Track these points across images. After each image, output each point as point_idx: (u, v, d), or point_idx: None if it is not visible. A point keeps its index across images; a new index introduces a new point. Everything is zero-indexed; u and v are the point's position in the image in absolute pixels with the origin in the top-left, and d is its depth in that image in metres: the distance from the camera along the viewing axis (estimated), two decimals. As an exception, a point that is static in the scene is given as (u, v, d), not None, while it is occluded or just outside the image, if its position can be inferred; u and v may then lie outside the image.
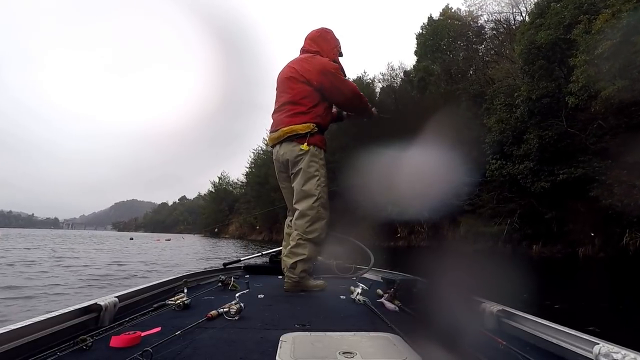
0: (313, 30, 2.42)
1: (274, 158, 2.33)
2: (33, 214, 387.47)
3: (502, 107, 16.34)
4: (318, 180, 2.18)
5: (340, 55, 2.42)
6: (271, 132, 2.32)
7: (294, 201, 2.25)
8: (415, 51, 32.56)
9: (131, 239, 32.94)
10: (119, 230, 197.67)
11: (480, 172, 17.85)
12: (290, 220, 2.34)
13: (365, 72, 35.80)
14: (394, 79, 35.93)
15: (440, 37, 29.87)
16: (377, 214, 20.42)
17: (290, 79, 2.25)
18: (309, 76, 2.19)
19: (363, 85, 34.37)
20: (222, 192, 66.06)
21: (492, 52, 25.27)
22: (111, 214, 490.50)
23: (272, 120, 2.35)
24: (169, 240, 31.42)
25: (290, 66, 2.29)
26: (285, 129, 2.19)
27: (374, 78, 36.07)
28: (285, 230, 2.42)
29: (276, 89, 2.36)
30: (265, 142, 43.29)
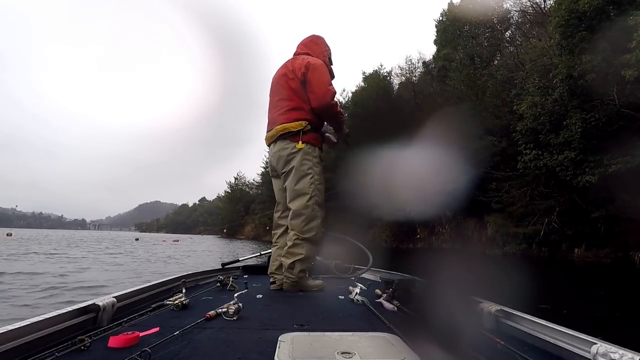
0: (306, 37, 2.49)
1: (269, 156, 2.34)
2: (62, 215, 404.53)
3: (536, 90, 14.20)
4: (312, 178, 2.15)
5: (330, 63, 2.42)
6: (267, 131, 2.32)
7: (287, 200, 2.21)
8: (434, 40, 30.73)
9: (136, 239, 32.34)
10: (141, 231, 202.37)
11: (510, 165, 15.93)
12: (278, 216, 2.36)
13: (381, 65, 33.86)
14: (412, 72, 34.02)
15: (461, 23, 27.78)
16: (395, 214, 18.95)
17: (282, 77, 2.26)
18: (298, 72, 2.18)
19: (379, 78, 32.73)
20: (238, 193, 66.16)
21: (520, 37, 23.02)
22: (135, 215, 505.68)
23: (267, 120, 2.37)
24: (177, 241, 29.98)
25: (283, 65, 2.33)
26: (279, 127, 2.20)
27: (391, 70, 34.16)
28: (275, 222, 2.36)
29: (270, 89, 2.38)
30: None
